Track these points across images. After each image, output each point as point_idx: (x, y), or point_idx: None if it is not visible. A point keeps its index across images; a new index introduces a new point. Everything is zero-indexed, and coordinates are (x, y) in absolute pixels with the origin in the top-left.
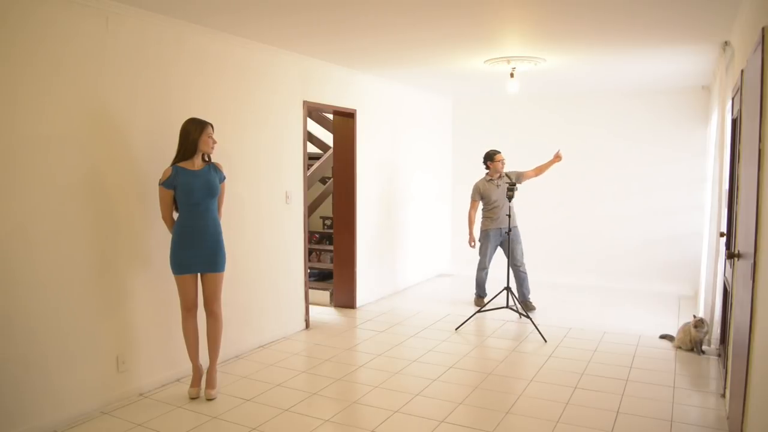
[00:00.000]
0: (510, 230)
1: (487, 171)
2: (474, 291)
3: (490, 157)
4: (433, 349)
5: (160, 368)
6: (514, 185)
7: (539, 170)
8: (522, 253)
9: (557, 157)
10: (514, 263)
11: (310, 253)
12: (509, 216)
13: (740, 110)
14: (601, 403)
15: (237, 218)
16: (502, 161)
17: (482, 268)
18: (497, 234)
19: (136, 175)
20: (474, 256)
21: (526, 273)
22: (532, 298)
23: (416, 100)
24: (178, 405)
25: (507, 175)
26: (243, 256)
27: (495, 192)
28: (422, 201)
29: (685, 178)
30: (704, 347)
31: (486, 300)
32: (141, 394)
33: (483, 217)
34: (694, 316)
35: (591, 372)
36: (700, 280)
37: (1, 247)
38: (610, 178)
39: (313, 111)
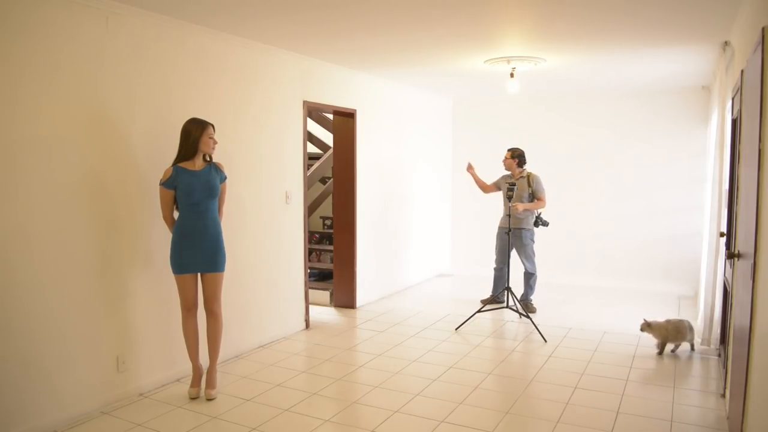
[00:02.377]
0: (510, 231)
1: None
2: None
3: None
4: (433, 349)
5: (160, 368)
6: (514, 185)
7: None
8: (528, 255)
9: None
10: (524, 265)
11: (310, 253)
12: (509, 216)
13: (740, 110)
14: (601, 403)
15: (237, 218)
16: (504, 159)
17: (495, 267)
18: (502, 233)
19: (136, 174)
20: (473, 256)
21: (531, 274)
22: (534, 298)
23: (416, 100)
24: (178, 405)
25: (529, 177)
26: (243, 256)
27: (504, 189)
28: (422, 201)
29: (685, 178)
30: (673, 348)
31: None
32: (141, 394)
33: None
34: (644, 320)
35: (591, 372)
36: (700, 280)
37: (1, 247)
38: (610, 178)
39: (313, 111)
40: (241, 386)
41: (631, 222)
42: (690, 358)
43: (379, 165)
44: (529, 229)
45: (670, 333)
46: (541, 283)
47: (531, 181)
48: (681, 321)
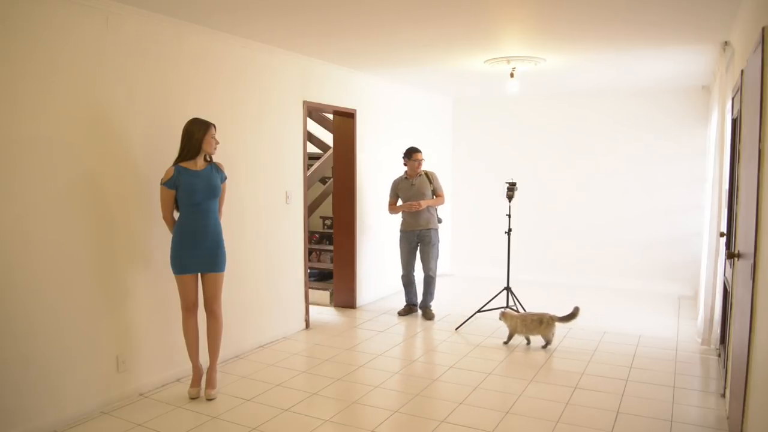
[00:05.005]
0: (426, 231)
1: (406, 168)
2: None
3: (408, 155)
4: (433, 349)
5: (160, 368)
6: (515, 184)
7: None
8: (435, 258)
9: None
10: (425, 267)
11: (310, 253)
12: (424, 218)
13: (740, 110)
14: (601, 403)
15: (237, 218)
16: (419, 161)
17: (402, 274)
18: (412, 236)
19: (135, 174)
20: (473, 256)
21: (432, 278)
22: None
23: (416, 100)
24: (178, 405)
25: (427, 174)
26: (243, 256)
27: (409, 191)
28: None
29: (685, 177)
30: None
31: (485, 301)
32: (141, 394)
33: (401, 219)
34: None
35: (591, 372)
36: (700, 280)
37: (1, 247)
38: (609, 178)
39: (313, 111)
40: (241, 386)
41: (630, 222)
42: (690, 358)
43: (380, 164)
44: (436, 229)
45: (518, 325)
46: (540, 282)
47: (431, 178)
48: (531, 314)
